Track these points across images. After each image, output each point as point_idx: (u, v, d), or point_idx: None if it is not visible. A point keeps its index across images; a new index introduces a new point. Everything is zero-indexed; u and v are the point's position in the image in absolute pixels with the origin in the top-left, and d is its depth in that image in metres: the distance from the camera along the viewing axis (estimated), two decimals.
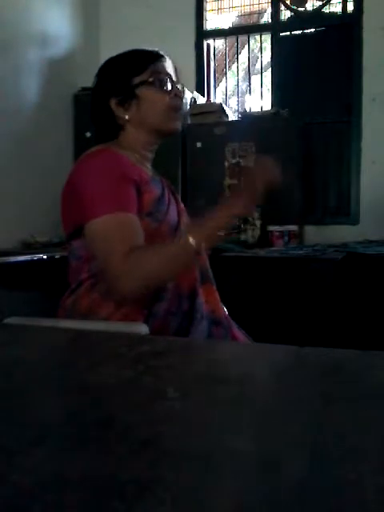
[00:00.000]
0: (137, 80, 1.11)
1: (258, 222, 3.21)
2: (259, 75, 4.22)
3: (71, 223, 1.08)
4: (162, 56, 1.15)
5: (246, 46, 4.11)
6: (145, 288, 0.98)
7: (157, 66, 1.13)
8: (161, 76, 1.12)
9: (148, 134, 1.14)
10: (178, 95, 1.15)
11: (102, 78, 1.16)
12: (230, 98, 4.40)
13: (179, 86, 1.16)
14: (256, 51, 4.43)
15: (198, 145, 3.37)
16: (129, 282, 0.94)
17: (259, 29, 3.97)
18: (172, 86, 1.14)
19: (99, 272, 1.05)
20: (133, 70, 1.12)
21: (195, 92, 3.68)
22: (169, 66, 1.15)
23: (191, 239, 0.95)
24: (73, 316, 1.07)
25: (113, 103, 1.12)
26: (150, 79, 1.11)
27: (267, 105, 3.87)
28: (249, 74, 4.15)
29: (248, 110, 3.87)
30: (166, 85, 1.13)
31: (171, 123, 1.14)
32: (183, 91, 1.23)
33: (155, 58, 1.14)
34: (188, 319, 1.09)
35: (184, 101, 3.38)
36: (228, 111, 3.63)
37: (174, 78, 1.15)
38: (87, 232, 1.00)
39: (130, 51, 1.16)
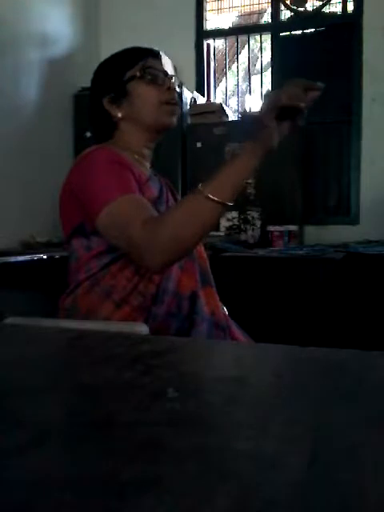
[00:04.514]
0: (127, 76, 1.11)
1: (258, 222, 3.20)
2: (259, 75, 4.22)
3: (70, 223, 1.08)
4: (156, 53, 1.14)
5: (246, 46, 4.11)
6: (172, 253, 0.91)
7: (148, 61, 1.11)
8: (151, 70, 1.11)
9: (143, 130, 1.13)
10: (172, 88, 1.12)
11: (95, 78, 1.16)
12: (230, 98, 4.40)
13: (173, 80, 1.13)
14: (256, 51, 4.43)
15: (198, 145, 3.37)
16: (154, 252, 0.90)
17: (259, 29, 3.96)
18: (164, 79, 1.12)
19: (101, 270, 1.05)
20: (123, 66, 1.11)
21: (195, 92, 3.67)
22: (164, 62, 1.14)
23: (205, 192, 0.89)
24: (72, 316, 1.07)
25: (105, 102, 1.12)
26: (138, 73, 1.10)
27: None
28: (249, 74, 4.15)
29: (248, 110, 3.86)
30: (157, 79, 1.11)
31: (165, 117, 1.12)
32: (180, 85, 1.23)
33: (146, 54, 1.13)
34: (188, 322, 1.08)
35: (183, 99, 3.38)
36: (228, 111, 3.63)
37: (168, 73, 1.13)
38: (100, 224, 0.98)
39: (123, 50, 1.15)
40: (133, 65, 1.11)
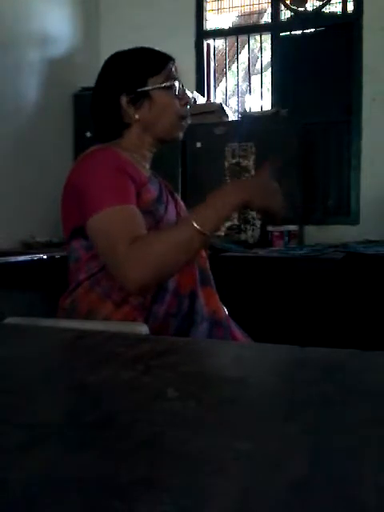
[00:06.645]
0: (153, 81, 1.10)
1: (257, 222, 3.21)
2: (259, 75, 4.22)
3: (70, 224, 1.08)
4: (174, 59, 1.15)
5: (246, 46, 4.10)
6: (153, 277, 0.93)
7: (171, 69, 1.12)
8: (174, 81, 1.12)
9: (152, 137, 1.13)
10: (188, 103, 1.15)
11: (112, 72, 1.13)
12: (230, 98, 4.40)
13: (188, 93, 1.16)
14: (256, 51, 4.43)
15: (198, 145, 3.36)
16: (136, 272, 0.90)
17: (259, 29, 3.96)
18: (183, 92, 1.14)
19: (101, 270, 1.05)
20: (149, 69, 1.11)
21: (195, 92, 3.67)
22: (177, 69, 1.15)
23: (196, 224, 0.91)
24: (72, 316, 1.07)
25: (123, 100, 1.10)
26: (168, 84, 1.10)
27: (267, 105, 3.87)
28: (249, 74, 4.15)
29: (248, 110, 3.86)
30: (178, 91, 1.12)
31: (177, 132, 1.14)
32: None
33: (169, 59, 1.13)
34: (188, 321, 1.09)
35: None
36: (228, 111, 3.62)
37: (182, 84, 1.14)
38: (89, 228, 0.98)
39: (143, 49, 1.14)
40: (158, 70, 1.11)
